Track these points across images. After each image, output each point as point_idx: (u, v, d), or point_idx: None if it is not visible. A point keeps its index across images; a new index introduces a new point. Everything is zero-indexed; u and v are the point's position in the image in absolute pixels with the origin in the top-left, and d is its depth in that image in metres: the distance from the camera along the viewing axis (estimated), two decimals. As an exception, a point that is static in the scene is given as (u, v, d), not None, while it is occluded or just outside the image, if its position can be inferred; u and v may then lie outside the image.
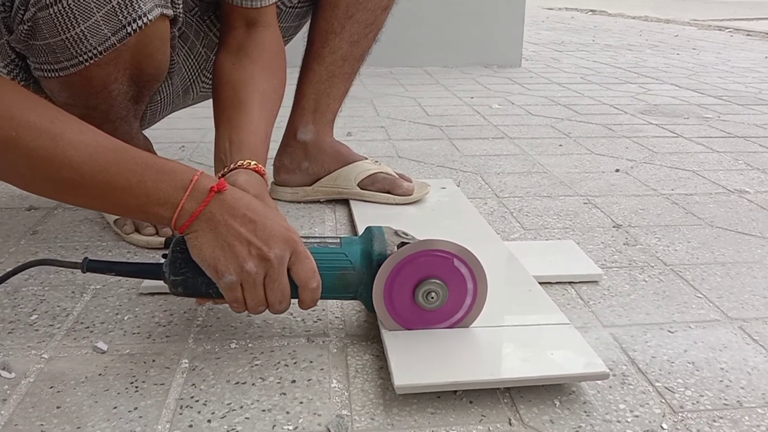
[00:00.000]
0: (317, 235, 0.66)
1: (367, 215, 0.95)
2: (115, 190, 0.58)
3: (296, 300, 0.61)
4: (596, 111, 1.79)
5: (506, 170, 1.24)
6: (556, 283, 0.77)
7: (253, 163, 0.71)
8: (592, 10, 7.01)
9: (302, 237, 0.62)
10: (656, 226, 0.97)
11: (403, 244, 0.62)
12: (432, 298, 0.61)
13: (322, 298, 0.62)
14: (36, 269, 0.79)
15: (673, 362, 0.63)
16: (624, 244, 0.90)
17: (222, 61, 0.82)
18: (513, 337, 0.62)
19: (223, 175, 0.70)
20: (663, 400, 0.57)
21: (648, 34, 4.25)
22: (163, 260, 0.62)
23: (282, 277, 0.59)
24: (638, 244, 0.90)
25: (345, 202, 1.03)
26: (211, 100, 0.84)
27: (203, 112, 1.08)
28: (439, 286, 0.61)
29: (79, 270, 0.62)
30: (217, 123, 0.78)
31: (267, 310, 0.61)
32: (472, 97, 1.98)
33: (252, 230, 0.58)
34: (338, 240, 0.64)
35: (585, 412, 0.55)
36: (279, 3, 0.92)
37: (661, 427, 0.54)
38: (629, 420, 0.54)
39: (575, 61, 2.88)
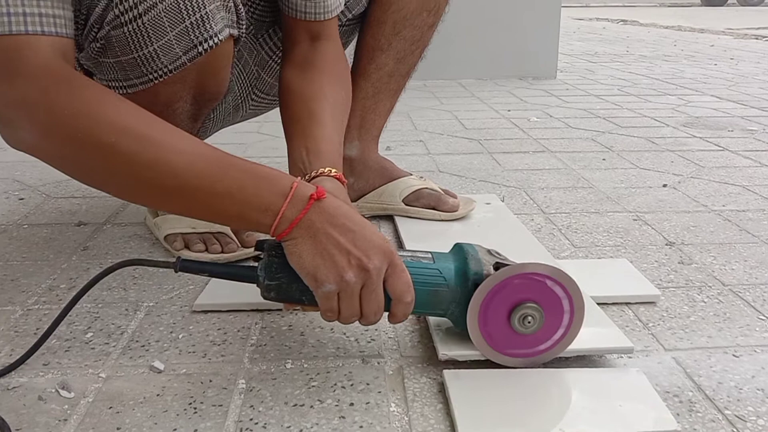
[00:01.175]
0: (408, 249, 0.65)
1: (413, 232, 0.94)
2: (215, 197, 0.58)
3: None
4: (637, 124, 1.76)
5: (550, 185, 1.22)
6: (613, 303, 0.75)
7: (333, 170, 0.71)
8: (623, 20, 6.95)
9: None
10: (710, 244, 0.94)
11: (499, 264, 0.61)
12: (528, 322, 0.60)
13: (413, 312, 0.61)
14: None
15: (741, 389, 0.61)
16: (679, 262, 0.88)
17: (289, 76, 0.83)
18: (582, 383, 0.60)
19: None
20: (735, 429, 0.55)
21: (683, 44, 4.19)
22: (255, 263, 0.62)
23: (379, 288, 0.58)
24: (693, 263, 0.87)
25: (390, 218, 1.03)
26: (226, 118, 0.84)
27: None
28: (536, 311, 0.60)
29: (172, 269, 0.62)
30: (289, 135, 0.78)
31: (358, 321, 0.61)
32: (509, 110, 1.97)
33: (351, 240, 0.58)
34: (430, 255, 0.63)
35: (654, 440, 0.53)
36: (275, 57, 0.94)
37: (736, 458, 0.52)
38: (701, 450, 0.53)
39: (611, 72, 2.85)
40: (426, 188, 1.01)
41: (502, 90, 2.37)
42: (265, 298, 0.61)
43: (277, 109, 1.07)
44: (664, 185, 1.21)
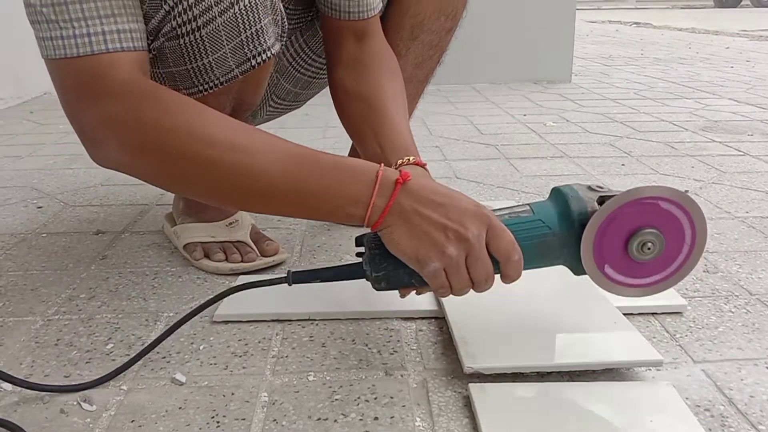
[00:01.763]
0: (504, 206, 0.63)
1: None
2: (306, 196, 0.59)
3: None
4: (655, 128, 1.74)
5: (569, 192, 1.20)
6: (639, 314, 0.74)
7: (411, 158, 0.72)
8: (636, 23, 6.91)
9: (491, 210, 0.61)
10: (735, 251, 0.92)
11: (603, 198, 0.59)
12: (648, 249, 0.58)
13: (526, 268, 0.60)
14: (107, 297, 0.80)
15: (774, 403, 0.59)
16: (704, 271, 0.86)
17: (342, 79, 0.83)
18: (610, 396, 0.58)
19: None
20: (769, 446, 0.54)
21: (698, 47, 4.16)
22: (360, 259, 0.63)
23: (483, 254, 0.58)
24: (719, 272, 0.86)
25: (408, 226, 1.01)
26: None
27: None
28: (654, 236, 0.58)
29: (285, 284, 0.63)
30: (359, 136, 0.79)
31: (472, 290, 0.61)
32: (524, 115, 1.95)
33: (444, 214, 0.58)
34: (528, 208, 0.61)
35: (687, 457, 0.52)
36: (303, 72, 0.95)
37: (772, 475, 0.50)
38: (736, 467, 0.51)
39: (626, 75, 2.83)
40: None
41: (516, 94, 2.36)
42: (377, 289, 0.63)
43: (291, 113, 1.07)
44: (686, 191, 1.20)
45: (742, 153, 1.47)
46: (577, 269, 0.61)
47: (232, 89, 0.74)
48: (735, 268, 0.87)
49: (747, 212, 1.08)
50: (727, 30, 5.59)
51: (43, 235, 1.01)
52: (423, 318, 0.74)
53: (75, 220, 1.07)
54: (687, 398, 0.59)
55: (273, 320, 0.73)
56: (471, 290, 0.61)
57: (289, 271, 0.64)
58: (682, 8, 11.26)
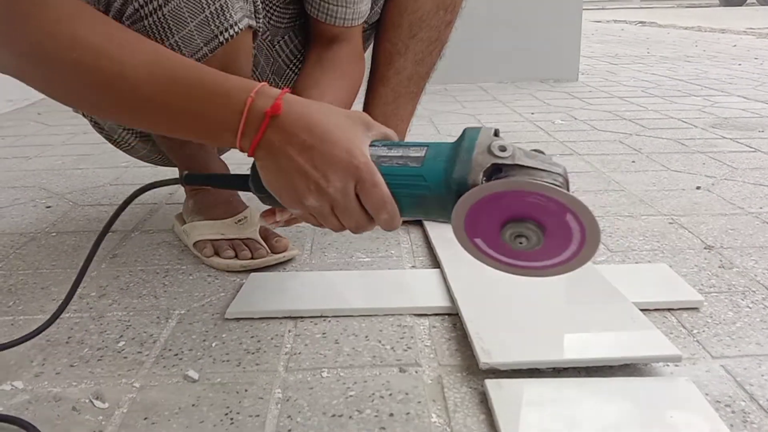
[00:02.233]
0: (402, 144, 0.57)
1: (444, 237, 0.93)
2: (176, 114, 0.56)
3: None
4: (664, 125, 1.73)
5: (581, 188, 1.20)
6: (655, 310, 0.73)
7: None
8: (641, 22, 6.89)
9: (384, 146, 0.57)
10: (750, 247, 0.91)
11: (495, 167, 0.51)
12: (521, 243, 0.52)
13: (407, 218, 0.57)
14: (117, 295, 0.79)
15: (796, 398, 0.58)
16: (719, 267, 0.85)
17: (301, 76, 0.83)
18: (629, 392, 0.57)
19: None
20: (792, 441, 0.53)
21: (704, 45, 4.14)
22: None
23: (350, 207, 0.55)
24: (734, 267, 0.85)
25: (418, 223, 1.01)
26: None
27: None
28: (531, 231, 0.51)
29: (180, 185, 0.65)
30: None
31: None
32: (532, 113, 1.95)
33: (309, 159, 0.53)
34: (423, 152, 0.55)
35: (708, 453, 0.51)
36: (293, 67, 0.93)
37: (796, 471, 0.49)
38: (759, 463, 0.50)
39: (633, 74, 2.81)
40: (456, 192, 0.99)
41: (524, 93, 2.35)
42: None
43: None
44: (698, 187, 1.19)
45: (753, 149, 1.46)
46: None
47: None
48: (751, 263, 0.86)
49: (761, 208, 1.07)
50: (733, 28, 5.56)
51: (53, 234, 1.01)
52: (436, 314, 0.73)
53: (84, 220, 1.07)
54: (707, 394, 0.58)
55: (285, 317, 0.73)
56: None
57: (183, 172, 0.63)
58: (687, 7, 11.21)
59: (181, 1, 0.67)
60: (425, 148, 0.56)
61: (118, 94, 0.56)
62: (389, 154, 0.56)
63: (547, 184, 0.49)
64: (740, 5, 11.53)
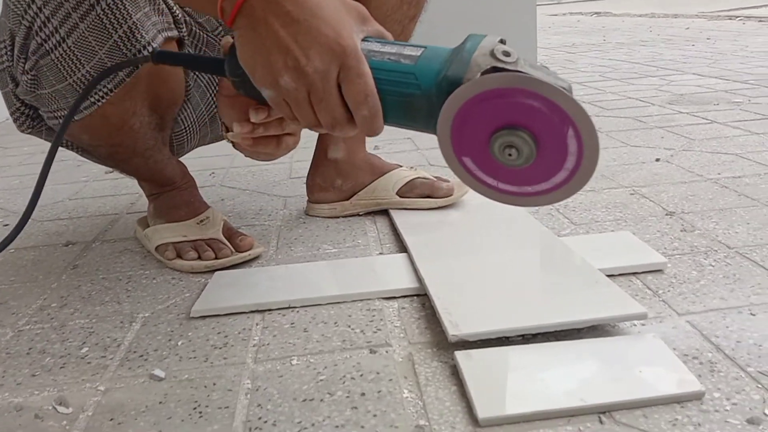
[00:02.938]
0: (398, 42, 0.52)
1: (410, 223, 0.92)
2: None
3: None
4: (623, 105, 1.76)
5: (543, 169, 1.20)
6: (620, 275, 0.74)
7: None
8: (596, 13, 7.00)
9: (378, 42, 0.51)
10: (710, 210, 0.93)
11: (495, 70, 0.46)
12: (510, 156, 0.46)
13: (389, 124, 0.52)
14: (79, 304, 0.78)
15: (761, 345, 0.59)
16: (681, 230, 0.86)
17: None
18: (597, 352, 0.57)
19: None
20: (759, 386, 0.53)
21: (658, 30, 4.22)
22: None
23: (328, 96, 0.49)
24: (696, 230, 0.86)
25: (384, 212, 1.01)
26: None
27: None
28: (522, 141, 0.45)
29: (149, 62, 0.60)
30: None
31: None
32: (493, 103, 1.96)
33: (293, 33, 0.48)
34: (419, 52, 0.50)
35: (678, 403, 0.51)
36: None
37: (764, 413, 0.50)
38: (728, 409, 0.51)
39: (590, 60, 2.85)
40: (418, 178, 0.99)
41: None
42: (240, 93, 0.57)
43: None
44: (657, 159, 1.20)
45: (709, 121, 1.49)
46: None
47: (134, 93, 0.71)
48: (711, 225, 0.87)
49: (719, 174, 1.09)
50: (685, 13, 5.68)
51: (11, 250, 0.98)
52: (404, 296, 0.73)
53: (43, 234, 1.04)
54: (674, 349, 0.59)
55: (252, 311, 0.72)
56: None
57: (154, 49, 0.62)
58: (640, -3, 11.42)
59: (85, 29, 0.65)
60: (423, 48, 0.51)
61: None
62: (382, 50, 0.51)
63: (548, 83, 0.44)
64: (691, -8, 11.77)
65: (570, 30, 4.86)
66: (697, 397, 0.51)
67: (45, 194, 1.29)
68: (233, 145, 0.69)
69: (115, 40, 0.67)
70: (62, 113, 0.73)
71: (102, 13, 0.65)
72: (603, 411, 0.51)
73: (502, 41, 0.49)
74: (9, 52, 0.71)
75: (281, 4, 0.48)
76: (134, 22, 0.67)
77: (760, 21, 4.21)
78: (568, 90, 0.45)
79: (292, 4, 0.48)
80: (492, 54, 0.47)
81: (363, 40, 0.52)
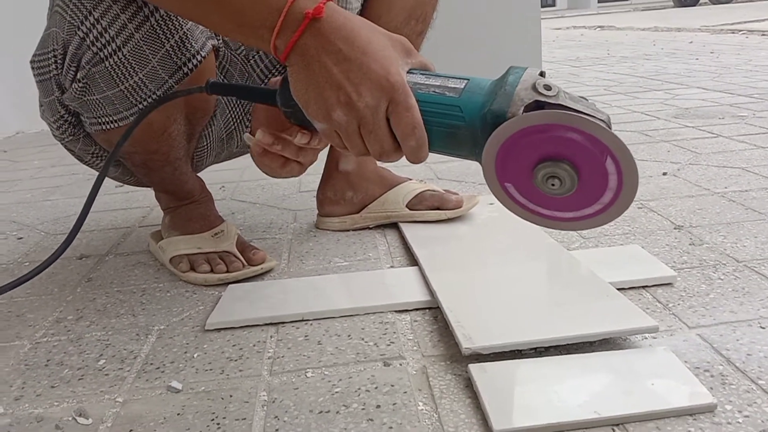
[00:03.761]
0: (442, 74, 0.55)
1: (420, 236, 0.93)
2: (213, 1, 0.53)
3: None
4: (629, 119, 1.77)
5: (551, 182, 1.21)
6: (630, 288, 0.74)
7: None
8: (600, 26, 7.04)
9: (422, 75, 0.54)
10: (718, 224, 0.93)
11: (537, 104, 0.49)
12: (553, 185, 0.49)
13: (434, 152, 0.54)
14: (95, 317, 0.79)
15: (771, 359, 0.59)
16: (690, 244, 0.87)
17: None
18: (610, 365, 0.58)
19: None
20: (771, 398, 0.54)
21: (662, 43, 4.24)
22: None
23: (378, 128, 0.52)
24: (704, 244, 0.87)
25: (394, 226, 1.02)
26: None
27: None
28: (565, 172, 0.48)
29: (205, 92, 0.62)
30: None
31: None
32: (499, 117, 1.97)
33: (345, 71, 0.51)
34: (462, 85, 0.53)
35: (691, 416, 0.52)
36: None
37: (777, 426, 0.50)
38: (740, 421, 0.51)
39: (595, 74, 2.87)
40: (428, 190, 1.00)
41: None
42: (290, 122, 0.60)
43: None
44: (664, 173, 1.21)
45: (715, 135, 1.50)
46: None
47: (178, 100, 0.73)
48: (720, 239, 0.88)
49: (726, 188, 1.10)
50: (688, 26, 5.71)
51: (26, 264, 0.99)
52: (417, 309, 0.73)
53: (57, 247, 1.05)
54: (685, 361, 0.59)
55: (266, 324, 0.72)
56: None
57: (208, 80, 0.62)
58: (643, 10, 11.49)
59: (140, 39, 0.67)
60: (466, 80, 0.54)
61: None
62: (427, 82, 0.54)
63: (589, 119, 0.47)
64: (694, 5, 11.85)
65: (574, 44, 4.89)
66: (709, 409, 0.52)
67: (57, 207, 1.31)
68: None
69: (167, 49, 0.69)
70: (106, 119, 0.74)
71: (156, 24, 0.68)
72: (616, 423, 0.51)
73: (542, 74, 0.51)
74: (59, 62, 0.72)
75: (333, 42, 0.51)
76: (185, 31, 0.69)
77: (763, 35, 4.23)
78: (606, 122, 0.48)
79: (344, 43, 0.51)
80: (534, 88, 0.49)
81: (408, 72, 0.55)
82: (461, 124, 0.52)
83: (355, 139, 0.54)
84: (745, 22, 5.57)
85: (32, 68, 0.77)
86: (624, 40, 4.85)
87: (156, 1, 0.61)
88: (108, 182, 1.42)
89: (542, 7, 2.77)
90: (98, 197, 1.33)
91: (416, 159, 0.55)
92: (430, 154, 0.56)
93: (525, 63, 2.55)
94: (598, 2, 20.36)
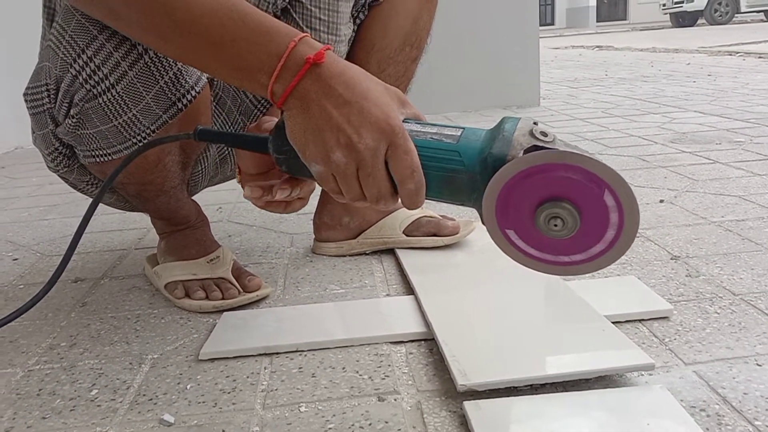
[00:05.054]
0: (437, 123, 0.56)
1: (417, 264, 0.93)
2: (210, 47, 0.53)
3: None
4: (626, 143, 1.77)
5: (548, 209, 1.21)
6: (626, 321, 0.74)
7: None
8: (598, 46, 7.09)
9: (418, 124, 0.55)
10: (715, 255, 0.93)
11: (536, 148, 0.49)
12: (555, 226, 0.49)
13: (430, 199, 0.55)
14: (88, 344, 0.78)
15: (768, 398, 0.59)
16: (686, 276, 0.87)
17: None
18: (605, 403, 0.57)
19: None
20: (767, 441, 0.53)
21: (660, 65, 4.27)
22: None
23: (376, 171, 0.52)
24: (701, 275, 0.87)
25: (391, 252, 1.01)
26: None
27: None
28: (567, 212, 0.49)
29: (192, 139, 0.61)
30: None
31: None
32: (497, 139, 1.98)
33: (345, 114, 0.51)
34: (459, 132, 0.54)
35: (687, 458, 0.52)
36: None
37: (773, 470, 0.50)
38: (736, 464, 0.51)
39: (592, 96, 2.89)
40: (424, 216, 1.00)
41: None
42: (280, 169, 0.59)
43: None
44: (661, 201, 1.22)
45: (712, 161, 1.50)
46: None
47: (169, 131, 0.73)
48: (716, 270, 0.88)
49: (722, 216, 1.10)
50: (686, 47, 5.75)
51: (20, 286, 0.99)
52: (412, 341, 0.73)
53: (52, 270, 1.05)
54: (681, 400, 0.59)
55: (260, 354, 0.72)
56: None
57: (197, 127, 0.61)
58: (641, 30, 11.58)
59: (134, 76, 0.68)
60: (461, 129, 0.54)
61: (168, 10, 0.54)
62: (423, 130, 0.54)
63: (590, 157, 0.48)
64: (691, 26, 11.96)
65: (572, 64, 4.92)
66: (705, 452, 0.52)
67: (54, 227, 1.30)
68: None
69: (161, 85, 0.69)
70: (100, 152, 0.74)
71: (150, 61, 0.68)
72: (612, 466, 0.51)
73: (536, 123, 0.53)
74: (53, 96, 0.72)
75: (333, 87, 0.52)
76: (180, 68, 0.69)
77: (760, 57, 4.27)
78: (620, 176, 0.49)
79: (344, 88, 0.52)
80: (531, 134, 0.51)
81: (403, 121, 0.55)
82: (460, 168, 0.52)
83: (353, 182, 0.54)
84: (742, 44, 5.62)
85: (25, 101, 0.76)
86: (622, 61, 4.88)
87: (151, 44, 0.61)
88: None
89: (541, 25, 2.79)
90: (95, 217, 1.33)
91: (413, 203, 0.54)
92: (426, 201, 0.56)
93: (523, 83, 2.57)
94: (597, 21, 20.53)
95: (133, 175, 0.77)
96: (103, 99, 0.68)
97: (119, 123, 0.70)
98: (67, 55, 0.68)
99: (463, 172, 0.52)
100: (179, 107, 0.70)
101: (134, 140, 0.72)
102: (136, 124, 0.71)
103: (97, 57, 0.67)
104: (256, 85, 0.54)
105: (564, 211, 0.49)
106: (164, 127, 0.72)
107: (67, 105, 0.71)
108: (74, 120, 0.71)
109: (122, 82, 0.67)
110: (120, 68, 0.67)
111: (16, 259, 1.12)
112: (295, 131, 0.54)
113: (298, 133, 0.54)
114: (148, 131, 0.72)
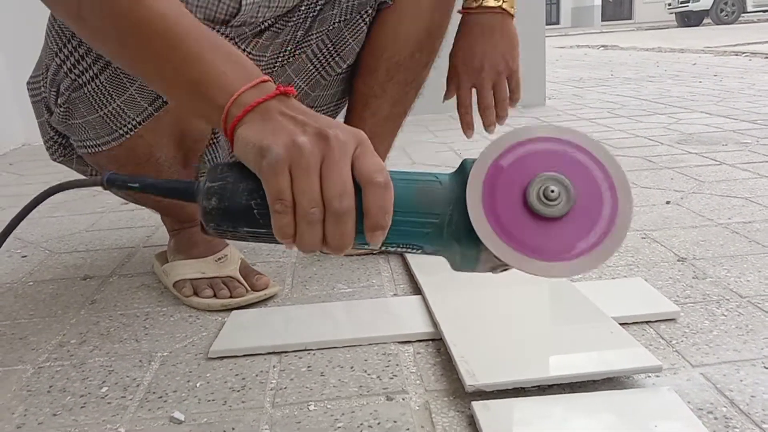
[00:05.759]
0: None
1: (423, 264, 0.94)
2: (185, 62, 0.50)
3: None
4: (631, 144, 1.77)
5: (554, 209, 1.22)
6: (633, 323, 0.74)
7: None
8: (603, 46, 7.08)
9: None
10: (722, 257, 0.94)
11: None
12: (552, 192, 0.45)
13: (397, 222, 0.47)
14: (98, 341, 0.79)
15: (775, 401, 0.59)
16: (693, 277, 0.87)
17: None
18: (613, 405, 0.58)
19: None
20: (775, 443, 0.54)
21: (665, 65, 4.26)
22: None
23: (342, 163, 0.45)
24: (708, 277, 0.87)
25: (400, 254, 1.02)
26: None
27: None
28: (558, 182, 0.45)
29: (100, 187, 0.53)
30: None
31: (324, 250, 0.47)
32: (503, 139, 1.98)
33: (312, 118, 0.48)
34: (426, 173, 0.50)
35: (694, 460, 0.52)
36: (324, 74, 0.90)
37: (780, 472, 0.50)
38: (744, 467, 0.51)
39: (598, 96, 2.88)
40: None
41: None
42: (205, 212, 0.49)
43: None
44: (668, 202, 1.22)
45: (718, 162, 1.50)
46: (464, 238, 0.47)
47: (159, 126, 0.73)
48: (723, 272, 0.88)
49: (729, 218, 1.10)
50: (692, 47, 5.74)
51: (30, 283, 1.00)
52: (420, 341, 0.73)
53: (61, 267, 1.06)
54: (689, 402, 0.59)
55: (269, 353, 0.72)
56: (322, 222, 0.46)
57: (104, 174, 0.52)
58: (646, 29, 11.56)
59: (117, 67, 0.68)
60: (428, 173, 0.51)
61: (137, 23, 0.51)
62: (390, 170, 0.49)
63: (575, 130, 0.47)
64: (697, 25, 11.92)
65: (577, 63, 4.91)
66: (713, 454, 0.52)
67: (62, 224, 1.31)
68: None
69: None
70: (90, 143, 0.75)
71: None
72: (620, 467, 0.51)
73: None
74: (47, 85, 0.74)
75: (300, 108, 0.49)
76: None
77: (767, 57, 4.25)
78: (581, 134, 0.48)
79: (307, 114, 0.48)
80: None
81: None
82: (433, 180, 0.49)
83: (312, 176, 0.45)
84: (748, 44, 5.60)
85: (28, 89, 0.78)
86: (627, 61, 4.87)
87: (120, 60, 0.57)
88: (113, 200, 1.44)
89: (546, 24, 2.79)
90: (103, 215, 1.34)
91: (380, 209, 0.46)
92: (389, 166, 0.50)
93: (529, 82, 2.54)
94: (602, 21, 20.47)
95: (125, 168, 0.78)
96: (87, 89, 0.69)
97: (104, 114, 0.71)
98: (54, 44, 0.70)
99: (436, 183, 0.49)
100: (164, 100, 0.71)
101: (121, 131, 0.73)
102: (122, 115, 0.71)
103: (81, 47, 0.68)
104: (205, 100, 0.50)
105: (554, 181, 0.46)
106: (152, 119, 0.72)
107: (54, 93, 0.72)
108: (62, 109, 0.72)
109: (105, 73, 0.68)
110: (102, 59, 0.68)
111: (24, 256, 1.13)
112: (249, 134, 0.47)
113: (254, 133, 0.47)
114: (134, 122, 0.72)
